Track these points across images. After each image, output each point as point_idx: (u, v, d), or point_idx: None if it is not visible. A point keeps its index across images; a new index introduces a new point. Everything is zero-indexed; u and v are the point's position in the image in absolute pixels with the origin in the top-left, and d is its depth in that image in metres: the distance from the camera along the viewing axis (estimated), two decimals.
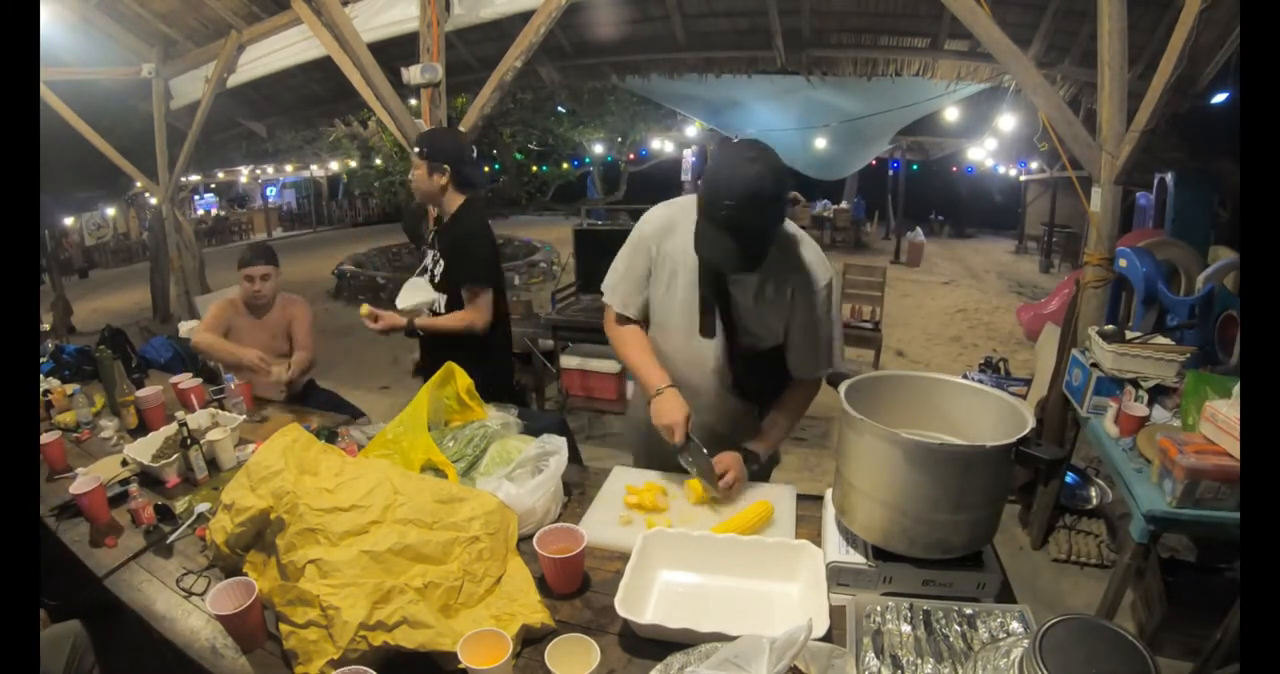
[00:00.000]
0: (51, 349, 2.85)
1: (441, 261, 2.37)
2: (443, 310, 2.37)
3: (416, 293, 2.33)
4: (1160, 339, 2.43)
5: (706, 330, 1.63)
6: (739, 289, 1.59)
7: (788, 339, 1.64)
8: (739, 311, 1.61)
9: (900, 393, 1.41)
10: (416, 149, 2.33)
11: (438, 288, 2.37)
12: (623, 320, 1.76)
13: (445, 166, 2.30)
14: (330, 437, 1.97)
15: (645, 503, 1.59)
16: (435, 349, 2.36)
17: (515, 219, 15.14)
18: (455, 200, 2.36)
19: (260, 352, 2.57)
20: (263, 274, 2.73)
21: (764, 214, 1.36)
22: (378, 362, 6.37)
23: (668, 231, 1.62)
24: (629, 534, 1.45)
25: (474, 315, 2.32)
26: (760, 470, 1.74)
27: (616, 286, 1.73)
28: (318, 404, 2.72)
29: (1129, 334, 2.43)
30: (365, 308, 2.32)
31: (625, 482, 1.70)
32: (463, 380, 1.82)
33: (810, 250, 1.59)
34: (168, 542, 1.54)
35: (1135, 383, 2.31)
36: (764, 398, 1.75)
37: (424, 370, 2.61)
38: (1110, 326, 2.49)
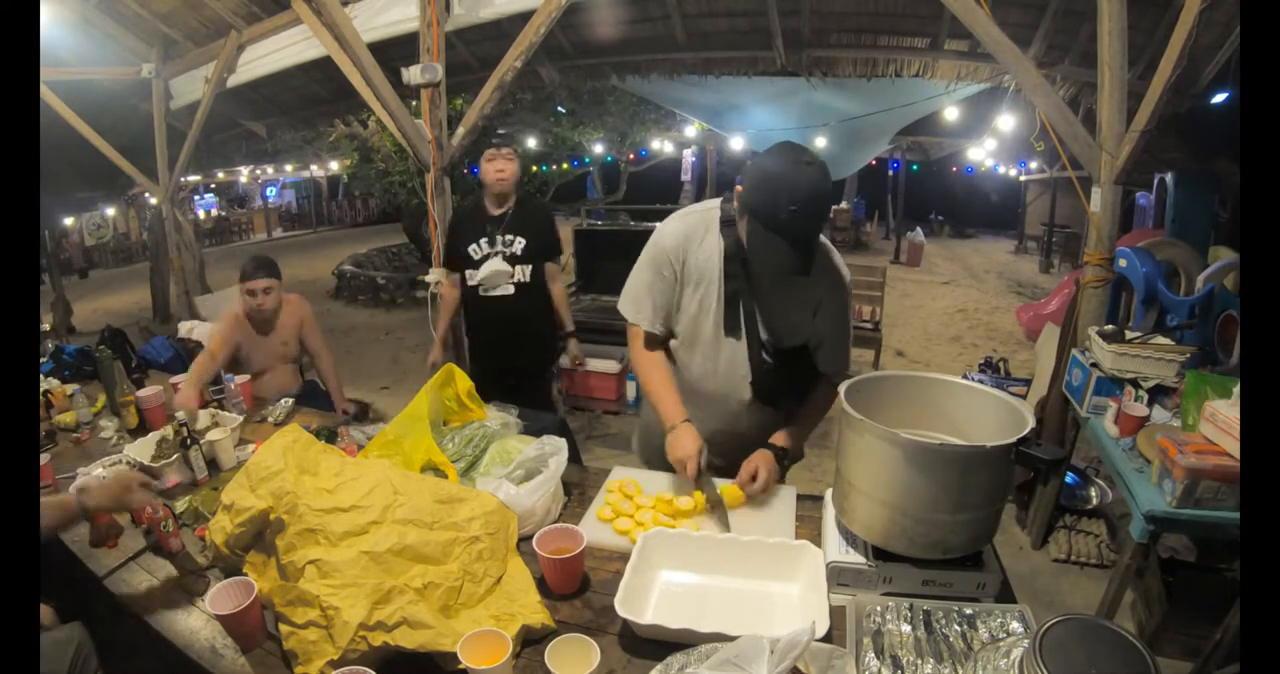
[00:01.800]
0: (51, 349, 2.85)
1: (520, 239, 2.78)
2: (529, 280, 2.81)
3: (497, 271, 2.76)
4: (1160, 339, 2.43)
5: (731, 328, 1.61)
6: (767, 288, 1.58)
7: (820, 338, 1.63)
8: (764, 310, 1.60)
9: (900, 393, 1.41)
10: (515, 146, 2.80)
11: (519, 261, 2.78)
12: (650, 341, 1.70)
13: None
14: (330, 437, 1.97)
15: (617, 505, 1.57)
16: (520, 320, 2.84)
17: None
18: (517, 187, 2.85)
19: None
20: (264, 287, 2.65)
21: (823, 216, 1.37)
22: (378, 361, 6.37)
23: (689, 244, 1.60)
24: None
25: (562, 282, 2.91)
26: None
27: (642, 306, 1.67)
28: (317, 404, 2.71)
29: (1129, 334, 2.42)
30: (573, 350, 3.06)
31: (607, 483, 1.69)
32: (463, 383, 1.83)
33: (834, 251, 1.61)
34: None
35: (1135, 383, 2.31)
36: (785, 403, 1.74)
37: (491, 348, 2.96)
38: (1110, 326, 2.48)
